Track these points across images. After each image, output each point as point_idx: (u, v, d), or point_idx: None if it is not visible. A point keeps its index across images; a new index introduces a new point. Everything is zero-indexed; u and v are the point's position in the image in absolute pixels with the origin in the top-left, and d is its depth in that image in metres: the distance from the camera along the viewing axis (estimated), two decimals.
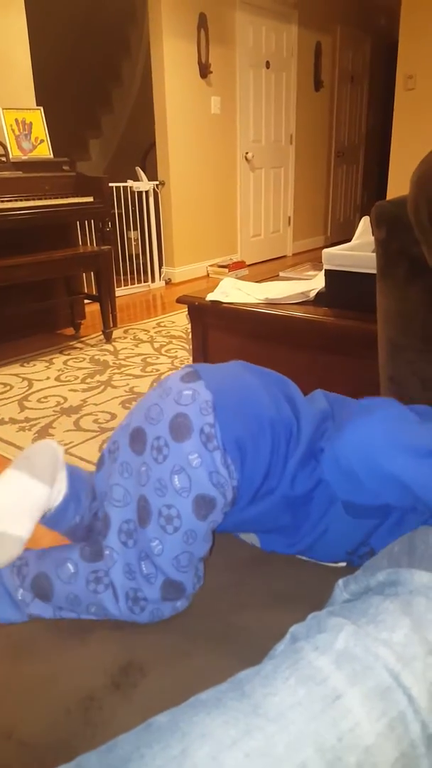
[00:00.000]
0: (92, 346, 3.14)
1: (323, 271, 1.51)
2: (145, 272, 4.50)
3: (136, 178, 4.20)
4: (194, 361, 1.88)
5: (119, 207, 4.10)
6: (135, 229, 4.37)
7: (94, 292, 3.22)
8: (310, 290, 1.60)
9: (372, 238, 1.04)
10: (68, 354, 3.02)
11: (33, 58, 3.29)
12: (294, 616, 0.51)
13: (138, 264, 4.48)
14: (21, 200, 2.85)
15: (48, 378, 2.69)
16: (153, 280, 4.50)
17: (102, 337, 3.22)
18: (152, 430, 0.66)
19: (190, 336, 1.89)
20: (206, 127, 4.57)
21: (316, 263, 1.97)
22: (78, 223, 3.35)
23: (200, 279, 4.74)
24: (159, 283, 4.54)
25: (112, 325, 3.21)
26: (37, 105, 3.24)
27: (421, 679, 0.41)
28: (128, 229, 4.33)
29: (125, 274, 4.34)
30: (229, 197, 4.95)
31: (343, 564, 0.75)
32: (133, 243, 4.44)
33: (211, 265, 4.76)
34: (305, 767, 0.38)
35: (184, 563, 0.65)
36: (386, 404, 0.73)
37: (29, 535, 0.68)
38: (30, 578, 0.69)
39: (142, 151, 5.01)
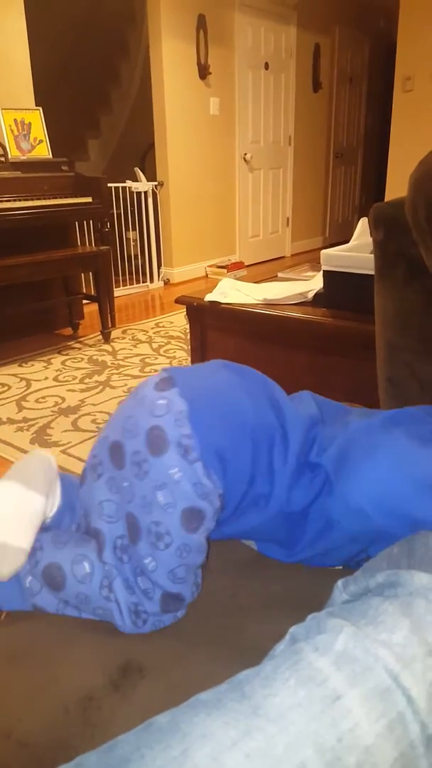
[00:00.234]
0: (91, 346, 3.14)
1: (321, 272, 1.51)
2: (144, 273, 4.50)
3: (135, 179, 4.20)
4: (193, 361, 1.88)
5: (118, 207, 4.09)
6: (134, 229, 4.37)
7: (93, 293, 3.22)
8: (309, 291, 1.60)
9: (370, 240, 1.04)
10: (66, 354, 3.01)
11: (32, 58, 3.29)
12: (290, 618, 0.51)
13: (137, 264, 4.48)
14: (20, 200, 2.84)
15: (46, 378, 2.69)
16: (151, 281, 4.50)
17: (100, 337, 3.22)
18: (130, 445, 0.65)
19: (188, 336, 1.89)
20: (205, 128, 4.57)
21: (315, 264, 1.98)
22: (77, 223, 3.35)
23: (199, 279, 4.74)
24: (158, 284, 4.54)
25: (110, 326, 3.21)
26: (36, 105, 3.24)
27: (420, 680, 0.41)
28: (127, 229, 4.33)
29: (124, 274, 4.34)
30: (227, 198, 4.95)
31: (340, 567, 0.75)
32: (131, 243, 4.44)
33: (210, 266, 4.77)
34: (305, 767, 0.38)
35: (180, 575, 0.64)
36: (387, 428, 0.70)
37: (30, 547, 0.68)
38: (43, 565, 0.68)
39: (141, 151, 5.01)
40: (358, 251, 1.45)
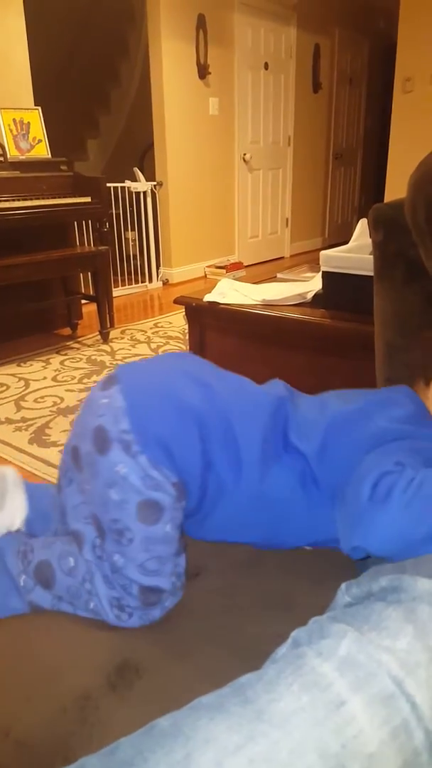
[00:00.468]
0: (89, 346, 3.14)
1: (321, 272, 1.51)
2: (143, 273, 4.49)
3: (134, 179, 4.20)
4: None
5: (117, 207, 4.09)
6: (133, 229, 4.37)
7: (92, 293, 3.21)
8: (308, 292, 1.60)
9: (369, 241, 1.04)
10: (65, 354, 3.01)
11: (31, 58, 3.29)
12: (288, 618, 0.51)
13: (135, 264, 4.47)
14: (18, 200, 2.84)
15: (45, 378, 2.68)
16: (150, 281, 4.50)
17: (99, 337, 3.21)
18: (83, 447, 0.66)
19: (187, 337, 1.89)
20: (204, 128, 4.57)
21: (314, 265, 1.97)
22: (76, 223, 3.34)
23: (198, 280, 4.74)
24: (156, 284, 4.54)
25: (109, 326, 3.21)
26: (35, 105, 3.23)
27: (424, 686, 0.41)
28: (126, 229, 4.32)
29: (123, 274, 4.33)
30: (227, 198, 4.95)
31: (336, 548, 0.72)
32: (130, 243, 4.44)
33: (209, 266, 4.76)
34: None
35: (152, 568, 0.65)
36: (370, 416, 0.68)
37: None
38: (34, 564, 0.69)
39: (140, 151, 5.00)
40: (357, 252, 1.45)
